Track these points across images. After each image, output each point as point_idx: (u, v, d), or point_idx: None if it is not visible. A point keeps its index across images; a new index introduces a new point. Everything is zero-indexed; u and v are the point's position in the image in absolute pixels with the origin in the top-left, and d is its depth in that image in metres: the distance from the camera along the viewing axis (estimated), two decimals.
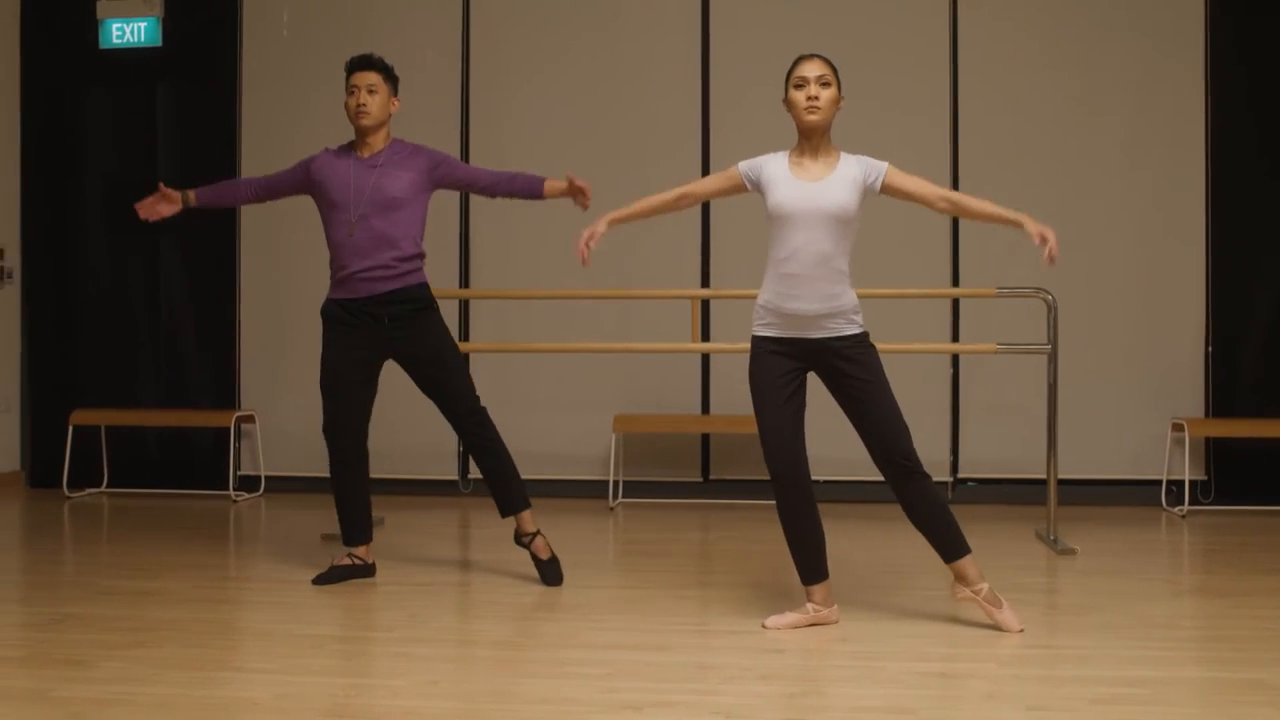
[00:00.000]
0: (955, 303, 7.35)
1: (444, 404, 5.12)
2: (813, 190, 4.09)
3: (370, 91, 4.93)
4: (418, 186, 4.98)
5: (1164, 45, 7.30)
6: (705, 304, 7.43)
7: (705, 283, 7.49)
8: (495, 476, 5.11)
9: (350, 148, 5.03)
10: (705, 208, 7.54)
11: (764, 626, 4.19)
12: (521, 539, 5.09)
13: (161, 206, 5.22)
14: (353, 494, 5.12)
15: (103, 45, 7.96)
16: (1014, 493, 7.23)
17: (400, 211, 4.93)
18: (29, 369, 8.21)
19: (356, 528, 5.10)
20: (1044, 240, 4.09)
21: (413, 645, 3.99)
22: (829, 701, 3.40)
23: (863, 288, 6.68)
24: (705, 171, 7.54)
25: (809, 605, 4.23)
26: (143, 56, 7.98)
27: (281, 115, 7.83)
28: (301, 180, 5.09)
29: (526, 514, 5.09)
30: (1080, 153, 7.35)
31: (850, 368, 4.12)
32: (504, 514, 5.12)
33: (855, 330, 4.15)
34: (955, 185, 7.37)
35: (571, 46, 7.78)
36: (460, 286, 7.78)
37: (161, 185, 5.23)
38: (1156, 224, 7.32)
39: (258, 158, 7.69)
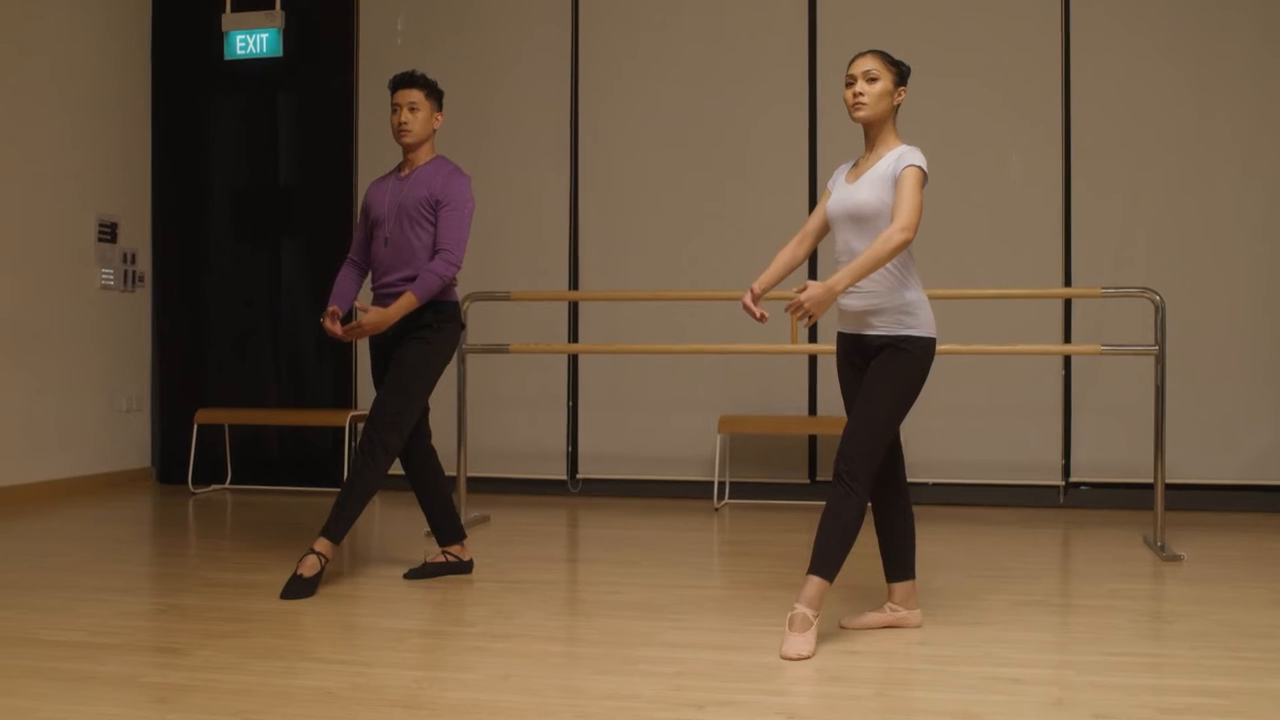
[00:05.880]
0: (1067, 303, 7.21)
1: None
2: (848, 191, 4.07)
3: (411, 109, 4.94)
4: (431, 206, 4.89)
5: None
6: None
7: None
8: (341, 496, 4.85)
9: (398, 168, 5.08)
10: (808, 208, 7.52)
11: (841, 626, 4.18)
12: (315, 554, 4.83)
13: (336, 326, 4.97)
14: (426, 496, 5.18)
15: (227, 56, 8.25)
16: (1129, 497, 7.08)
17: (418, 227, 4.90)
18: (158, 370, 8.54)
19: (442, 529, 5.19)
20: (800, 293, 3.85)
21: (492, 641, 4.06)
22: (893, 704, 3.38)
23: (971, 287, 6.69)
24: (812, 166, 7.56)
25: (888, 605, 4.21)
26: (264, 66, 8.26)
27: None
28: (365, 218, 5.12)
29: (329, 544, 4.80)
30: (1195, 150, 7.16)
31: (873, 363, 4.04)
32: (322, 534, 4.82)
33: (900, 331, 3.99)
34: (1067, 184, 7.27)
35: (679, 42, 7.84)
36: (570, 288, 7.88)
37: (326, 323, 5.00)
38: (1275, 221, 7.08)
39: (374, 162, 7.90)
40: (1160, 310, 5.79)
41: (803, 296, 3.84)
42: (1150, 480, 5.95)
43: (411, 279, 4.87)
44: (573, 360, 7.91)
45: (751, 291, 4.14)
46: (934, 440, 7.31)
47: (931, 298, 6.27)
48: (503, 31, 8.02)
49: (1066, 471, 7.30)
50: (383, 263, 4.98)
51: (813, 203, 7.52)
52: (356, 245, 5.20)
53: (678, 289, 7.51)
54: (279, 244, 8.38)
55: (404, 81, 5.00)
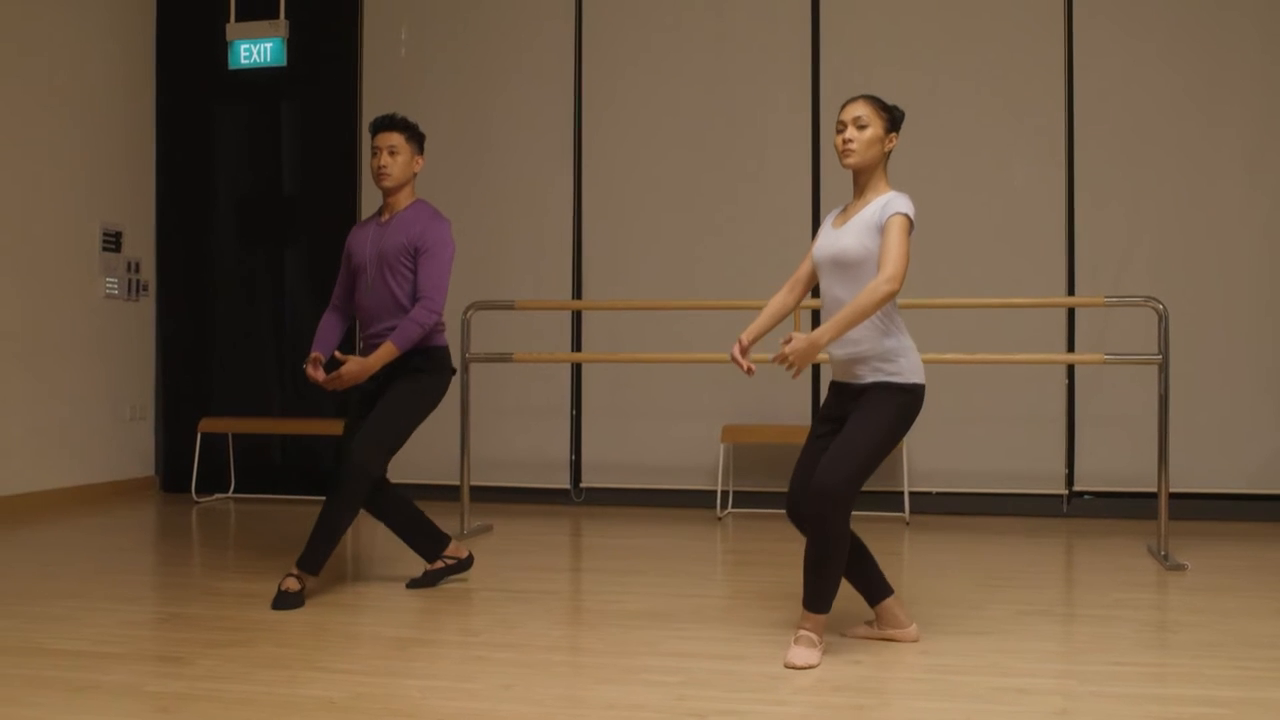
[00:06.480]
0: (1070, 312, 7.21)
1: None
2: (833, 236, 4.01)
3: (391, 153, 4.88)
4: (410, 253, 4.83)
5: None
6: (815, 314, 7.40)
7: (815, 293, 7.44)
8: (316, 529, 4.77)
9: (378, 213, 5.03)
10: (815, 222, 7.51)
11: (842, 635, 4.18)
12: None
13: (319, 374, 4.91)
14: (393, 520, 5.10)
15: (231, 66, 8.22)
16: (1132, 506, 7.06)
17: (398, 275, 4.84)
18: (162, 379, 8.55)
19: (424, 545, 5.14)
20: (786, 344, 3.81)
21: (494, 650, 4.06)
22: (895, 714, 3.37)
23: (974, 296, 6.70)
24: (816, 175, 7.56)
25: (877, 626, 4.20)
26: (268, 76, 8.24)
27: None
28: (348, 263, 5.05)
29: (304, 574, 4.77)
30: (1197, 158, 7.16)
31: (852, 407, 3.96)
32: (298, 564, 4.78)
33: (882, 379, 3.92)
34: (1070, 193, 7.26)
35: (682, 49, 7.85)
36: (573, 298, 7.88)
37: (308, 370, 4.94)
38: (1278, 228, 7.09)
39: None
40: (1163, 319, 5.79)
41: (787, 349, 3.81)
42: (1154, 489, 5.94)
43: (393, 330, 4.80)
44: (576, 369, 7.91)
45: (740, 343, 4.12)
46: (937, 449, 7.30)
47: (935, 307, 6.34)
48: (505, 40, 8.03)
49: (1070, 480, 7.28)
50: (367, 311, 4.93)
51: (816, 215, 7.52)
52: (338, 291, 5.13)
53: (681, 298, 7.50)
54: (283, 253, 8.39)
55: (384, 125, 4.93)
